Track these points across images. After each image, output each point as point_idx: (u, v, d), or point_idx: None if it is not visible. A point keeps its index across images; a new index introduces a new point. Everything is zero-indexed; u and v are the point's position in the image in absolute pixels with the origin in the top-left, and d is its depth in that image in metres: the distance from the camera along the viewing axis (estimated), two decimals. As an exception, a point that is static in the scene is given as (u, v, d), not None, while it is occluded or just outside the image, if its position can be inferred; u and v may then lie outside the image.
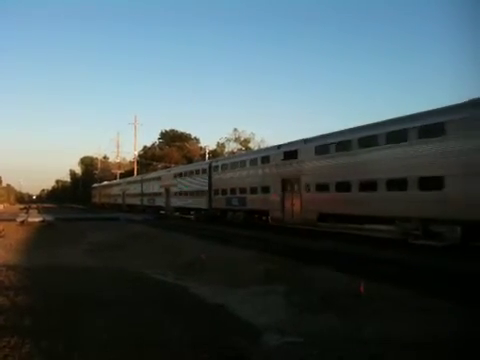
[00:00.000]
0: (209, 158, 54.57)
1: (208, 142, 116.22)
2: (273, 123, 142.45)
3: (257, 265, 10.53)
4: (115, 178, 69.55)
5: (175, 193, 36.30)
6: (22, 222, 27.77)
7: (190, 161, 60.70)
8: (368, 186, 15.77)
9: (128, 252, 14.54)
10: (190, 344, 5.31)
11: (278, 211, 21.32)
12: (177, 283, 9.45)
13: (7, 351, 5.05)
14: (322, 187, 18.31)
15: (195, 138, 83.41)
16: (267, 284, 8.66)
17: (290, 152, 21.01)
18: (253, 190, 23.86)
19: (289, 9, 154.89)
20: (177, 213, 36.85)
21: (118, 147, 75.87)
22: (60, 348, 5.13)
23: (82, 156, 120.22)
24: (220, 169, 28.59)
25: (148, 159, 72.19)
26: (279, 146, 22.49)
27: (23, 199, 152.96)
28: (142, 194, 46.77)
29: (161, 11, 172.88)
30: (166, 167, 55.41)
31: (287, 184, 20.90)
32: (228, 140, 69.50)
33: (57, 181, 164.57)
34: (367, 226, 17.07)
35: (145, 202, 45.77)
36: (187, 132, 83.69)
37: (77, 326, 5.93)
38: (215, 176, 29.04)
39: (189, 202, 33.07)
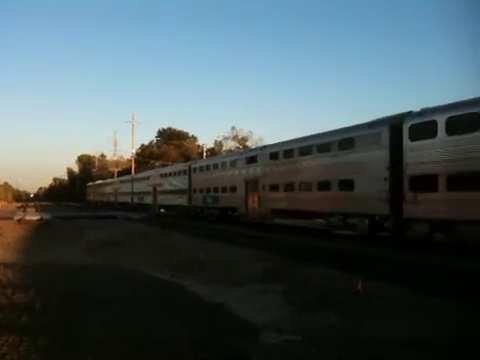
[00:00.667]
0: (207, 156, 54.82)
1: (206, 140, 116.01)
2: (272, 121, 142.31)
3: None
4: (113, 176, 69.48)
5: (161, 192, 39.54)
6: (19, 220, 27.73)
7: (188, 159, 60.65)
8: (305, 187, 19.63)
9: (126, 250, 14.53)
10: (188, 343, 5.30)
11: (243, 208, 24.97)
12: (174, 280, 9.45)
13: (5, 349, 5.04)
14: (274, 187, 22.04)
15: (193, 136, 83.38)
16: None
17: (251, 157, 25.04)
18: (224, 190, 27.37)
19: (288, 6, 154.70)
20: (163, 210, 39.70)
21: (115, 145, 75.73)
22: (57, 347, 5.12)
23: (80, 154, 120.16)
24: (198, 171, 32.11)
25: (146, 157, 72.14)
26: (244, 152, 27.08)
27: (20, 197, 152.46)
28: (132, 193, 49.76)
29: (159, 9, 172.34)
30: (164, 165, 55.55)
31: (249, 185, 24.41)
32: (226, 138, 69.54)
33: (55, 179, 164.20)
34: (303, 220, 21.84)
35: (135, 200, 48.80)
36: (185, 130, 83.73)
37: (75, 325, 5.91)
38: (194, 177, 32.51)
39: (173, 200, 36.32)
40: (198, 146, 76.46)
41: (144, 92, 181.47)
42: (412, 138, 14.19)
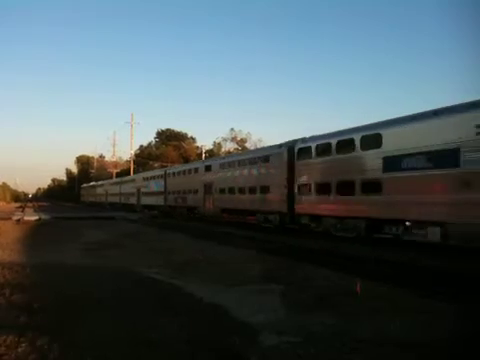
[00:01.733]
0: (206, 158, 55.10)
1: (205, 142, 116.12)
2: (271, 122, 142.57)
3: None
4: (111, 177, 69.58)
5: (143, 193, 45.38)
6: (18, 221, 27.72)
7: (186, 160, 60.82)
8: (242, 190, 25.25)
9: (124, 251, 14.51)
10: (187, 343, 5.30)
11: (202, 207, 30.70)
12: (172, 281, 9.44)
13: (3, 350, 5.04)
14: (222, 191, 27.78)
15: (191, 137, 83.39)
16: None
17: (208, 165, 30.95)
18: (190, 192, 33.16)
19: (287, 7, 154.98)
20: (146, 210, 43.42)
21: (114, 146, 75.74)
22: (56, 347, 5.11)
23: (78, 155, 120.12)
24: (171, 175, 38.20)
25: (144, 158, 72.17)
26: (203, 161, 33.63)
27: (19, 198, 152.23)
28: (120, 194, 55.43)
29: (158, 10, 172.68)
30: (162, 166, 55.69)
31: (206, 188, 29.95)
32: (224, 140, 69.58)
33: (53, 180, 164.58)
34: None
35: (122, 200, 54.57)
36: (184, 131, 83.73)
37: (73, 325, 5.90)
38: (168, 181, 38.44)
39: (153, 200, 41.84)
40: (197, 147, 76.48)
41: (143, 93, 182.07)
42: (299, 158, 20.26)
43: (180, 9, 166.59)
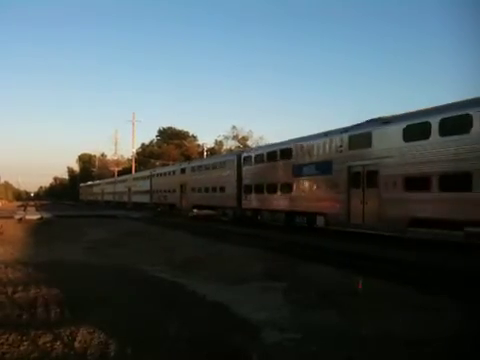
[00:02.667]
0: (207, 156, 55.25)
1: (206, 140, 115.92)
2: (272, 120, 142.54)
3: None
4: (113, 175, 69.71)
5: (133, 192, 50.88)
6: (20, 219, 27.76)
7: (188, 158, 60.77)
8: (207, 190, 30.34)
9: (126, 249, 14.53)
10: (189, 340, 5.30)
11: (179, 203, 35.75)
12: (174, 279, 9.45)
13: (6, 348, 5.05)
14: (193, 190, 32.99)
15: (193, 135, 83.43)
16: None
17: (183, 169, 35.85)
18: (169, 191, 38.22)
19: (288, 5, 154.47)
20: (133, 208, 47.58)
21: (116, 144, 75.96)
22: (58, 346, 5.13)
23: (80, 153, 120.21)
24: (156, 176, 43.37)
25: (146, 157, 72.25)
26: (180, 164, 38.53)
27: (21, 196, 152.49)
28: (114, 192, 60.82)
29: (159, 9, 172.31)
30: (164, 164, 55.91)
31: (182, 188, 34.99)
32: (226, 138, 69.57)
33: (55, 178, 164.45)
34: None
35: (116, 198, 59.66)
36: (185, 130, 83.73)
37: (75, 323, 5.90)
38: (154, 181, 43.59)
39: (141, 198, 47.16)
40: (198, 145, 76.48)
41: (145, 91, 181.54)
42: (244, 164, 25.32)
43: (181, 7, 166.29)
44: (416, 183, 13.56)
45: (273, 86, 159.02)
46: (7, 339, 5.30)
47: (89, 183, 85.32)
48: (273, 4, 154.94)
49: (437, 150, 12.95)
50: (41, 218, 29.22)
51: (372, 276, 8.42)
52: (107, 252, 13.80)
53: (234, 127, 68.37)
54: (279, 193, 21.26)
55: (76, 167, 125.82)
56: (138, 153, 73.86)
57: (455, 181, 12.29)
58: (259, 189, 23.18)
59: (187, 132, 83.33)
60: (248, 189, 24.36)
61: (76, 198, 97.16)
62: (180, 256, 12.38)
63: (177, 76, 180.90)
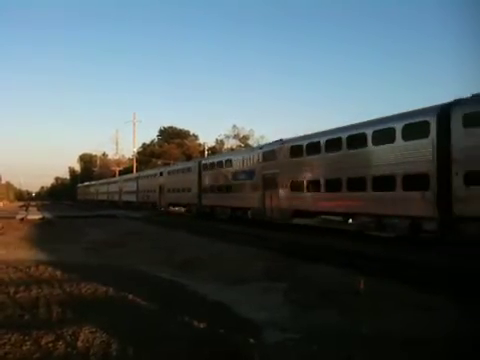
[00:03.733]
0: (208, 155, 55.36)
1: (207, 139, 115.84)
2: (273, 120, 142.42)
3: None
4: (114, 175, 69.78)
5: (124, 192, 56.17)
6: (22, 219, 27.84)
7: (189, 158, 60.84)
8: (177, 190, 35.77)
9: (127, 249, 14.56)
10: (190, 340, 5.33)
11: (158, 201, 41.08)
12: (175, 279, 9.48)
13: (8, 349, 5.08)
14: (169, 190, 38.16)
15: (194, 135, 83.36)
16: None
17: (161, 172, 41.56)
18: (151, 191, 43.73)
19: (289, 5, 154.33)
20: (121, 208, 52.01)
21: (117, 144, 75.98)
22: (60, 346, 5.15)
23: (81, 153, 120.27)
24: (141, 178, 49.24)
25: (147, 156, 72.20)
26: (158, 169, 45.85)
27: (22, 196, 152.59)
28: (108, 192, 66.03)
29: (160, 8, 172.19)
30: (165, 164, 55.93)
31: (160, 189, 40.12)
32: (227, 137, 69.52)
33: (56, 178, 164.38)
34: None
35: (109, 198, 64.43)
36: (186, 129, 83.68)
37: (76, 323, 5.93)
38: (139, 183, 49.28)
39: (130, 197, 52.79)
40: (199, 145, 76.45)
41: (145, 91, 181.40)
42: (203, 170, 30.86)
43: (182, 8, 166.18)
44: (297, 186, 19.70)
45: (274, 86, 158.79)
46: (9, 339, 5.33)
47: (86, 183, 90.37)
48: (273, 5, 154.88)
49: (307, 165, 19.18)
50: (43, 218, 29.29)
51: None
52: (107, 252, 13.85)
53: (235, 126, 68.41)
54: (225, 193, 27.07)
55: (77, 167, 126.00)
56: (139, 153, 73.85)
57: (315, 184, 18.42)
58: (213, 190, 29.15)
59: (188, 131, 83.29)
60: (205, 190, 30.38)
61: (75, 198, 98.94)
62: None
63: (178, 76, 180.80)
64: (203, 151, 63.66)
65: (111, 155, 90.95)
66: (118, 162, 76.65)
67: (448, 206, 12.33)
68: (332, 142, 17.40)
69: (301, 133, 21.38)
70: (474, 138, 11.86)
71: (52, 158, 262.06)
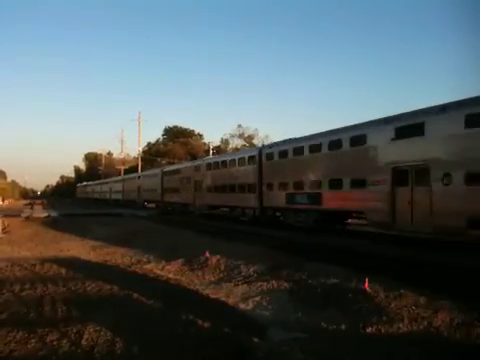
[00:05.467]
0: (213, 154, 55.42)
1: (212, 138, 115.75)
2: (278, 119, 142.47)
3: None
4: (119, 174, 69.90)
5: (113, 192, 64.02)
6: (27, 218, 27.94)
7: (194, 157, 60.83)
8: (149, 190, 43.99)
9: (132, 247, 14.56)
10: (196, 338, 5.33)
11: (136, 199, 48.37)
12: (179, 278, 9.48)
13: (13, 346, 5.09)
14: (144, 190, 45.86)
15: (199, 134, 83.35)
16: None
17: (139, 176, 50.42)
18: (132, 191, 51.07)
19: (295, 6, 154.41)
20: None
21: (122, 143, 76.25)
22: (65, 344, 5.17)
23: (86, 152, 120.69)
24: (126, 180, 57.03)
25: (152, 155, 72.24)
26: (137, 174, 54.19)
27: (28, 195, 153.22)
28: (100, 192, 74.58)
29: (165, 7, 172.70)
30: (169, 163, 56.04)
31: (139, 189, 47.86)
32: (232, 136, 69.44)
33: (62, 177, 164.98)
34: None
35: (101, 196, 72.47)
36: (191, 128, 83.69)
37: (81, 322, 5.94)
38: (124, 184, 56.94)
39: (117, 196, 60.19)
40: (204, 144, 76.42)
41: (151, 90, 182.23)
42: (164, 176, 39.15)
43: (188, 8, 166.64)
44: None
45: (279, 85, 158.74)
46: (15, 337, 5.35)
47: (83, 184, 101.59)
48: (279, 5, 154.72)
49: (210, 176, 29.00)
50: (48, 216, 29.38)
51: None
52: (112, 250, 13.87)
53: (240, 126, 68.32)
54: (177, 193, 35.50)
55: (83, 166, 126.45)
56: (144, 152, 73.84)
57: (217, 188, 27.65)
58: (169, 190, 37.85)
59: (193, 131, 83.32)
60: (167, 191, 38.69)
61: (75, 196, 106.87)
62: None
63: (183, 75, 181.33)
64: (208, 150, 63.59)
65: (116, 154, 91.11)
66: (123, 161, 76.67)
67: (261, 201, 22.15)
68: (219, 163, 28.31)
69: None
70: (270, 166, 21.65)
71: (57, 157, 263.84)
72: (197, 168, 31.58)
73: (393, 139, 14.18)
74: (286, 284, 8.32)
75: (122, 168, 70.85)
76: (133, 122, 63.36)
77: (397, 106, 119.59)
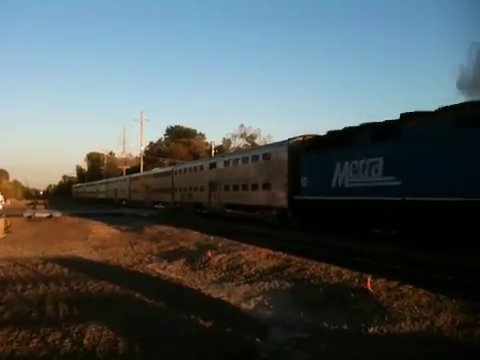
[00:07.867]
0: (215, 154, 55.49)
1: (214, 138, 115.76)
2: (280, 119, 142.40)
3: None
4: (121, 174, 69.97)
5: (99, 192, 74.35)
6: (29, 217, 27.98)
7: (196, 157, 60.93)
8: (139, 191, 49.75)
9: (134, 247, 14.58)
10: (197, 339, 5.32)
11: (128, 199, 54.47)
12: (181, 278, 9.47)
13: (15, 346, 5.09)
14: (134, 191, 52.37)
15: (201, 134, 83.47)
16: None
17: (130, 178, 55.13)
18: (124, 191, 56.91)
19: (297, 4, 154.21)
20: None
21: (124, 143, 76.07)
22: (67, 343, 5.16)
23: (89, 152, 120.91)
24: (116, 181, 63.57)
25: (154, 155, 72.36)
26: (125, 176, 61.67)
27: (30, 195, 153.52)
28: (91, 192, 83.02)
29: (167, 6, 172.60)
30: (172, 163, 56.06)
31: (129, 189, 53.92)
32: (234, 136, 69.53)
33: (64, 177, 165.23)
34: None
35: (93, 196, 79.32)
36: (193, 128, 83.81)
37: (83, 321, 5.93)
38: (115, 184, 63.08)
39: (108, 195, 66.31)
40: (206, 143, 76.53)
41: (153, 90, 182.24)
42: (131, 181, 54.20)
43: (190, 7, 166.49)
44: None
45: (281, 84, 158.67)
46: (16, 337, 5.35)
47: (78, 184, 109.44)
48: (282, 3, 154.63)
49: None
50: (50, 216, 29.41)
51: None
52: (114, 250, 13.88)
53: (242, 125, 68.40)
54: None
55: (85, 166, 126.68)
56: (146, 152, 74.00)
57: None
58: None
59: (195, 130, 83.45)
60: (134, 191, 50.66)
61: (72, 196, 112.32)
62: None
63: (185, 74, 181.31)
64: (210, 150, 63.68)
65: (118, 154, 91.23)
66: (125, 161, 76.78)
67: (173, 198, 36.03)
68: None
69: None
70: (179, 179, 35.87)
71: (60, 157, 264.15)
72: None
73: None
74: (288, 284, 8.31)
75: (124, 168, 70.90)
76: (135, 122, 63.67)
77: (398, 106, 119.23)
